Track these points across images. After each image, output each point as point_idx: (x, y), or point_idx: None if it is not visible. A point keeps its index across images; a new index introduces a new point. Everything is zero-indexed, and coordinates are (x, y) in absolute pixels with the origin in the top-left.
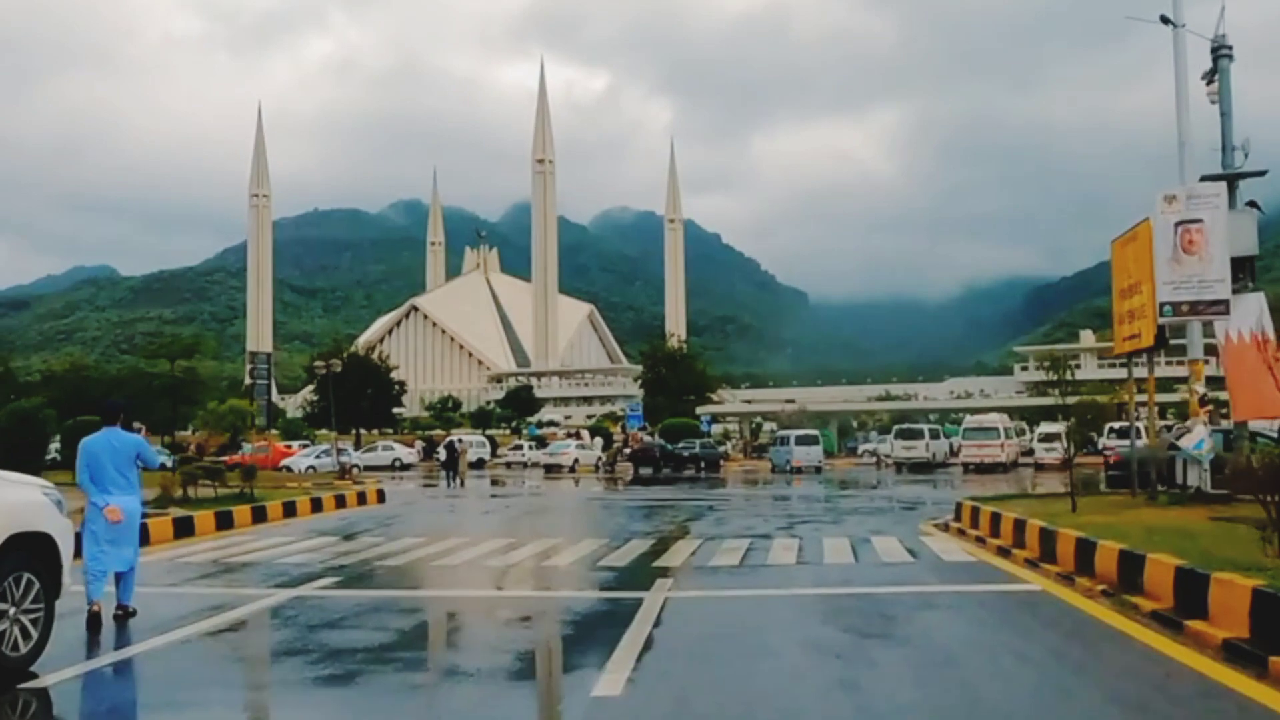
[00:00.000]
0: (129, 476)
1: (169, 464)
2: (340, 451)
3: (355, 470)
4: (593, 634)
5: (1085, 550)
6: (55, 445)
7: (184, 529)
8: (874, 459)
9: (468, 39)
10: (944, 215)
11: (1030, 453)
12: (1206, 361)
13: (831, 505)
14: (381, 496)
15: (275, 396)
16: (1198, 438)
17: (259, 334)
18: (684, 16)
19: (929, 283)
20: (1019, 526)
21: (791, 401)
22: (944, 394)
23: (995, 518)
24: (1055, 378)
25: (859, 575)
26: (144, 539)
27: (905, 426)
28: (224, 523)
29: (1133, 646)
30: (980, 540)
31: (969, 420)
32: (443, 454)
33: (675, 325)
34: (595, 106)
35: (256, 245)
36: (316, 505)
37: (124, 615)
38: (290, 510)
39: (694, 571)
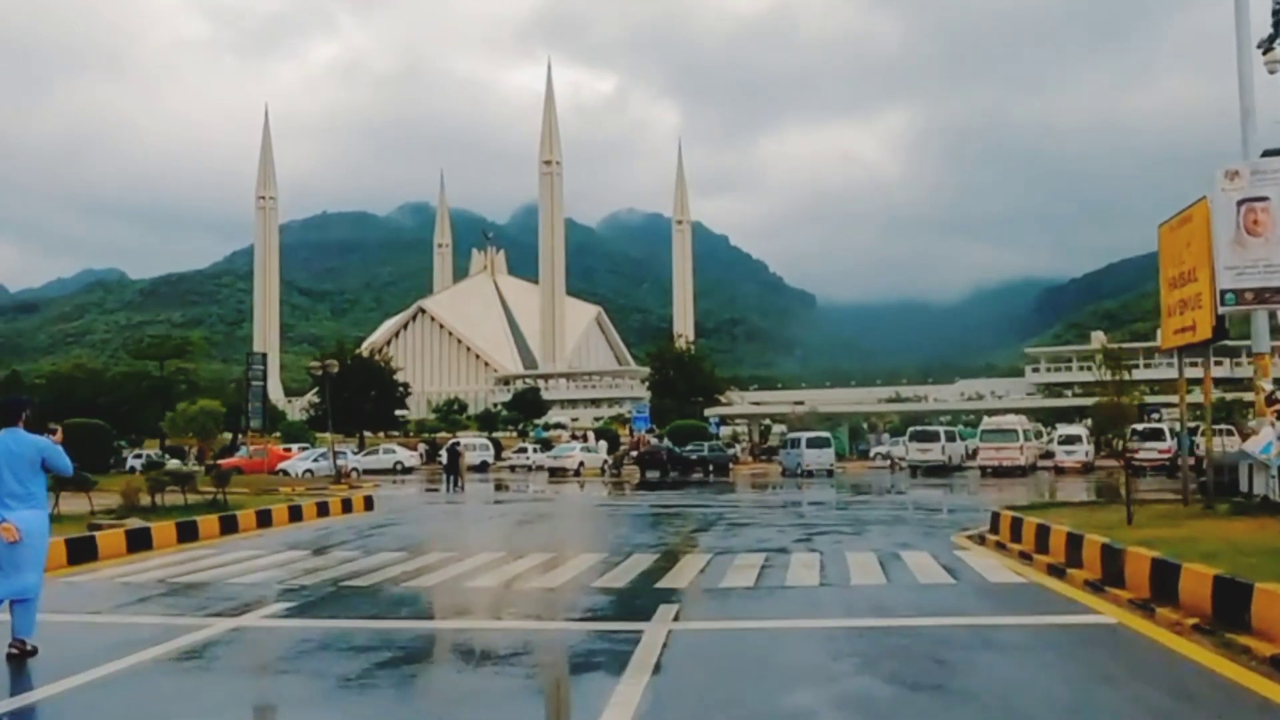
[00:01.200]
0: (31, 486)
1: (90, 475)
2: (338, 455)
3: (355, 474)
4: (576, 688)
5: (1165, 574)
6: None
7: (140, 542)
8: (887, 462)
9: (474, 42)
10: (952, 217)
11: (1049, 455)
12: (1275, 356)
13: (850, 513)
14: (369, 503)
15: (282, 399)
16: (1265, 440)
17: (266, 336)
18: (691, 19)
19: (937, 284)
20: (1073, 542)
21: (800, 403)
22: (954, 395)
23: (1042, 531)
24: (1112, 376)
25: (895, 601)
26: (92, 554)
27: (920, 429)
28: (187, 534)
29: (1265, 707)
30: (1025, 557)
31: (987, 422)
32: (445, 457)
33: (683, 327)
34: (603, 109)
35: (264, 247)
36: (295, 514)
37: (20, 653)
38: (265, 520)
39: (703, 595)
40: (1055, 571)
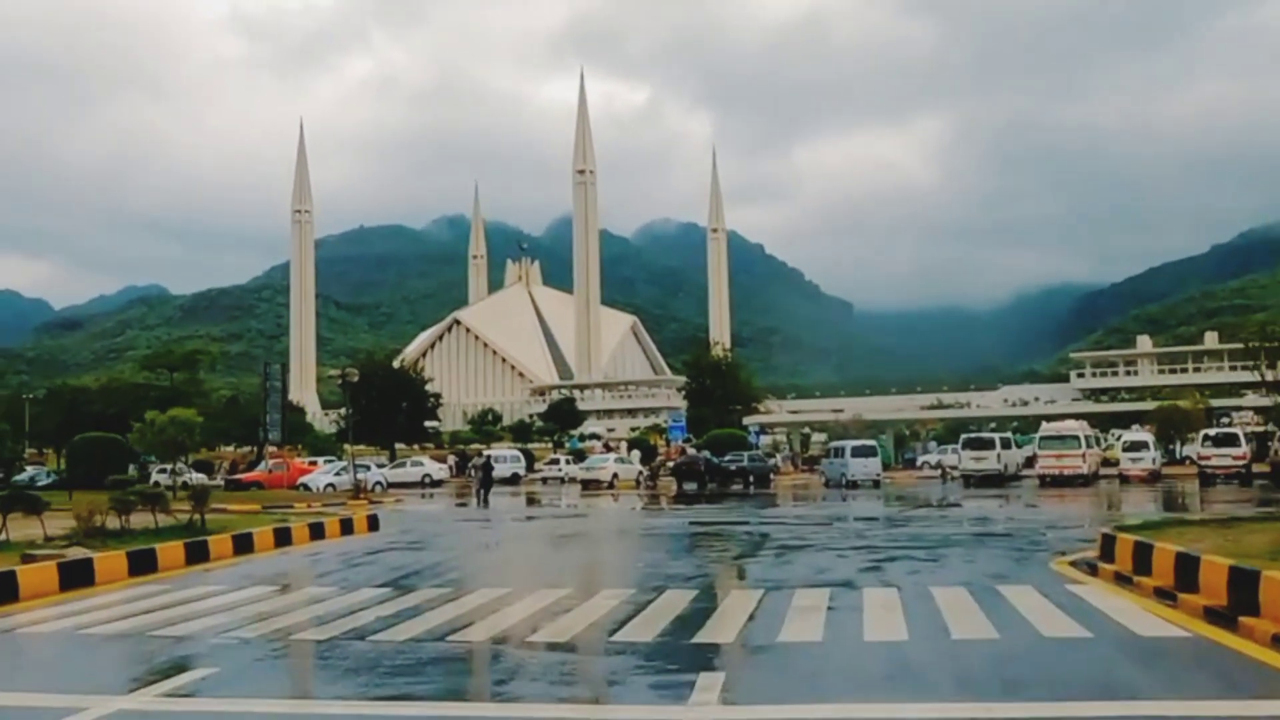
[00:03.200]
0: None
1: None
2: (359, 468)
3: (379, 488)
4: None
5: None
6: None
7: (77, 577)
8: (937, 471)
9: (508, 55)
10: (989, 222)
11: (1110, 463)
12: None
13: (914, 531)
14: (373, 523)
15: (319, 412)
16: None
17: (303, 349)
18: (723, 29)
19: (976, 291)
20: (1243, 581)
21: (840, 411)
22: (997, 402)
23: (1185, 562)
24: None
25: (1022, 668)
26: (11, 593)
27: (974, 436)
28: (142, 566)
29: None
30: (1164, 595)
31: (1045, 428)
32: (475, 471)
33: (719, 335)
34: (636, 120)
35: (299, 260)
36: (282, 538)
37: None
38: (244, 545)
39: (756, 657)
40: (1219, 619)
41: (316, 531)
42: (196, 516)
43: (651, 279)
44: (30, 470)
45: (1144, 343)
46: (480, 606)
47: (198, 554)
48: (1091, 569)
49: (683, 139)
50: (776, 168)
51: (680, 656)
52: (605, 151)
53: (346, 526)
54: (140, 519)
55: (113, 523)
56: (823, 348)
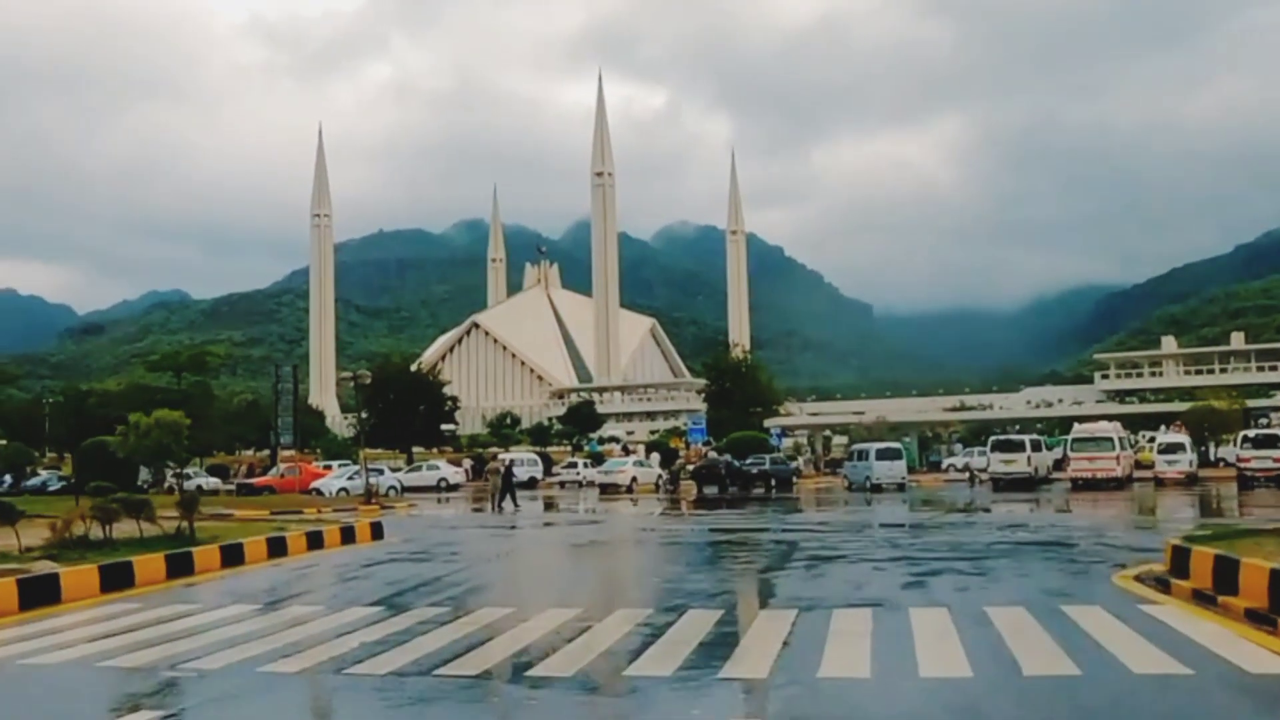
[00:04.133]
0: None
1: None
2: (371, 471)
3: (392, 492)
4: None
5: None
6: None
7: (41, 594)
8: (965, 474)
9: (525, 60)
10: (1009, 223)
11: (1146, 465)
12: None
13: (951, 538)
14: (377, 531)
15: (339, 416)
16: None
17: (322, 352)
18: (740, 31)
19: (996, 292)
20: None
21: (861, 413)
22: (1020, 404)
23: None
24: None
25: (1119, 715)
26: None
27: (1004, 438)
28: (117, 581)
29: None
30: (1259, 618)
31: (1078, 429)
32: (491, 475)
33: (739, 338)
34: (654, 123)
35: (319, 264)
36: (277, 548)
37: None
38: (234, 556)
39: (794, 699)
40: None
41: (314, 541)
42: (185, 525)
43: (670, 282)
44: (43, 475)
45: (1169, 344)
46: (479, 631)
47: (180, 567)
48: (1162, 585)
49: (701, 142)
50: (795, 170)
51: (706, 696)
52: (623, 154)
53: (348, 535)
54: (128, 528)
55: (96, 533)
56: (842, 350)
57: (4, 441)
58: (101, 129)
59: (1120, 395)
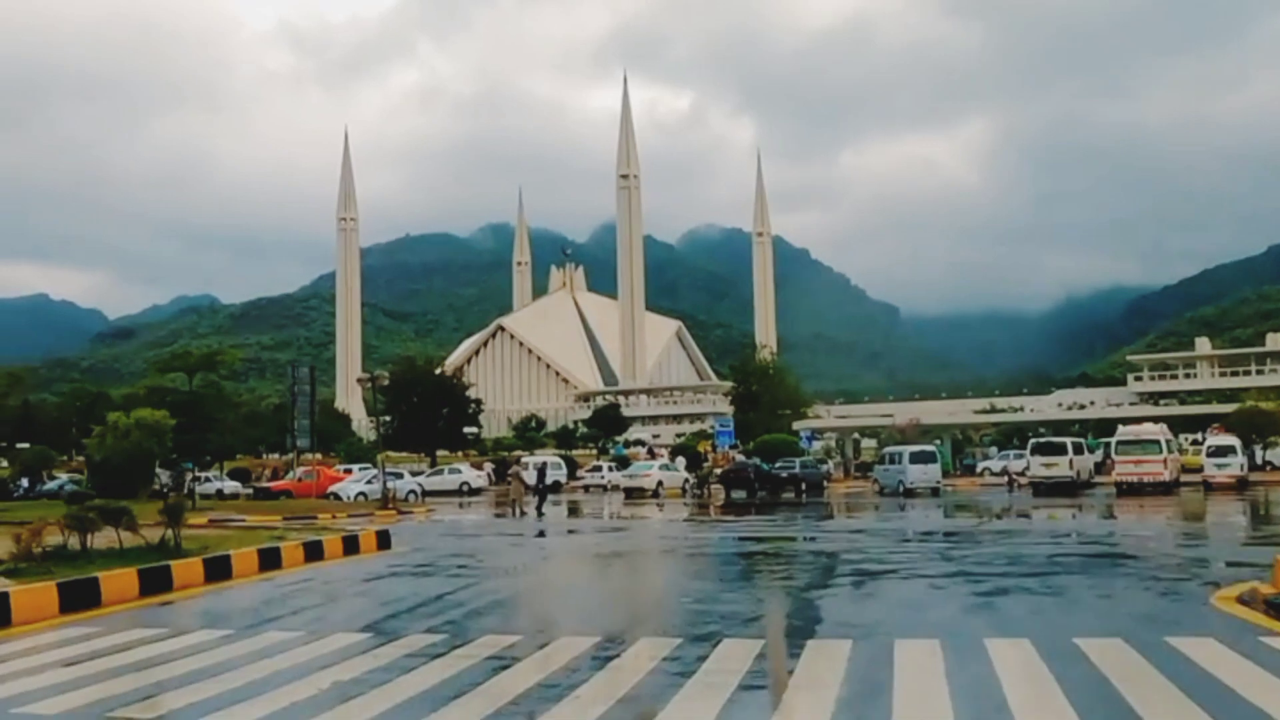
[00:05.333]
0: None
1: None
2: (392, 476)
3: (413, 496)
4: None
5: None
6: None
7: None
8: (1003, 478)
9: (551, 64)
10: (1037, 224)
11: (1192, 469)
12: None
13: (1010, 550)
14: (383, 540)
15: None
16: None
17: (349, 355)
18: (765, 34)
19: (1024, 294)
20: None
21: (890, 415)
22: (1052, 406)
23: None
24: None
25: None
26: None
27: (1045, 440)
28: (79, 600)
29: None
30: None
31: (1123, 431)
32: (525, 478)
33: (765, 340)
34: (680, 126)
35: (345, 267)
36: (270, 560)
37: None
38: (220, 570)
39: None
40: None
41: (313, 552)
42: (170, 535)
43: (696, 285)
44: (62, 478)
45: (1203, 345)
46: (475, 667)
47: (156, 583)
48: (1274, 610)
49: (726, 144)
50: (820, 172)
51: None
52: (649, 158)
53: (350, 546)
54: (114, 537)
55: (75, 543)
56: (869, 352)
57: (27, 445)
58: (133, 135)
59: (1155, 397)
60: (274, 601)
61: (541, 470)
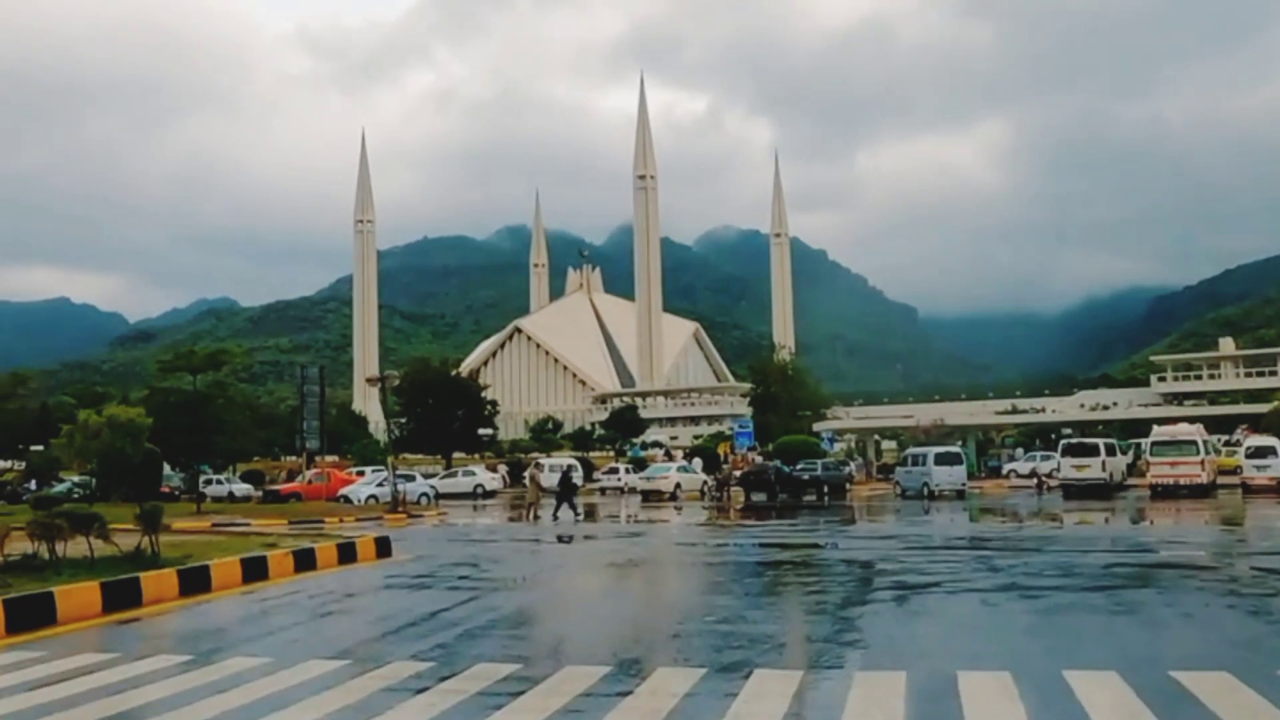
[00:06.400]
0: None
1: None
2: (403, 478)
3: (424, 500)
4: None
5: None
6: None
7: None
8: (1031, 480)
9: (567, 67)
10: (1057, 224)
11: (1229, 471)
12: None
13: (1060, 560)
14: (383, 548)
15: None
16: None
17: (366, 357)
18: (782, 35)
19: (1043, 295)
20: None
21: (910, 416)
22: (1074, 407)
23: None
24: None
25: None
26: None
27: (1076, 441)
28: (31, 619)
29: None
30: None
31: (1158, 432)
32: (541, 479)
33: (784, 341)
34: (696, 128)
35: (362, 269)
36: (255, 571)
37: None
38: (197, 583)
39: None
40: None
41: (304, 561)
42: (146, 543)
43: (713, 287)
44: (72, 480)
45: (1226, 345)
46: (458, 707)
47: (122, 597)
48: None
49: (742, 146)
50: (837, 173)
51: None
52: (665, 160)
53: (346, 553)
54: (97, 544)
55: (44, 552)
56: (887, 354)
57: (41, 448)
58: (153, 140)
59: (1179, 398)
60: (249, 620)
61: (566, 473)
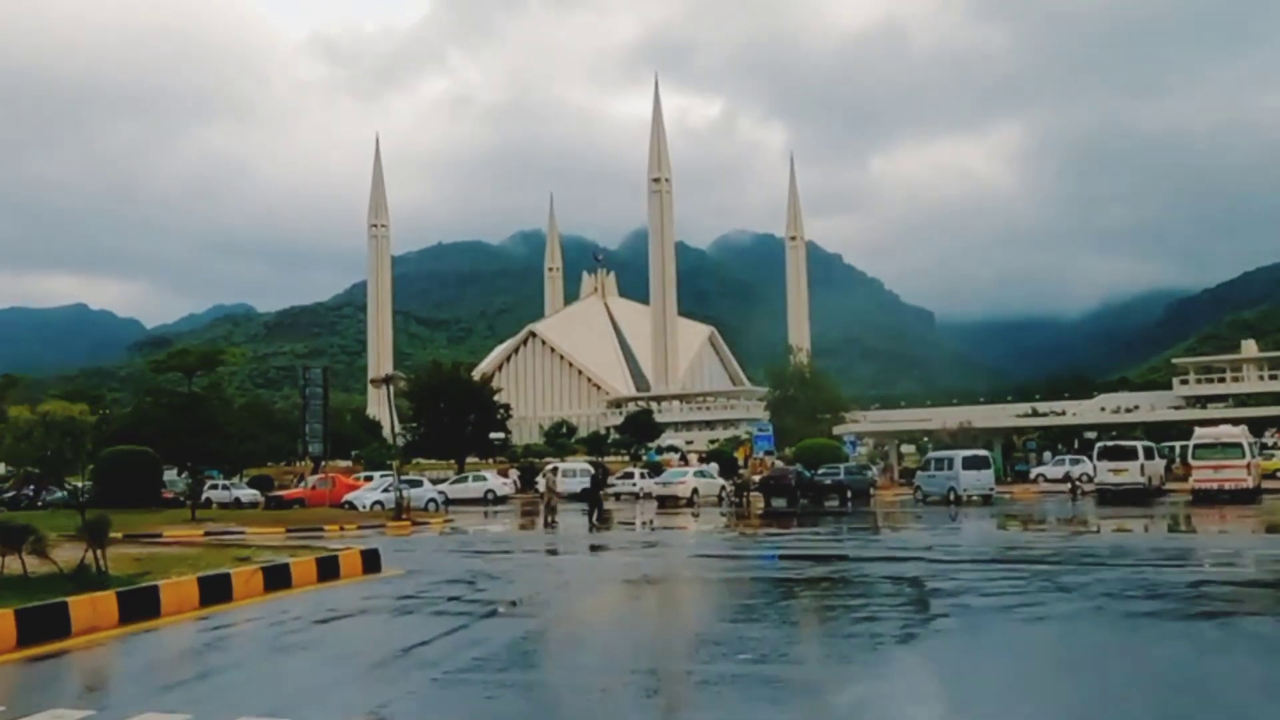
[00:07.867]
0: None
1: None
2: (409, 483)
3: (433, 505)
4: None
5: None
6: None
7: None
8: (1065, 485)
9: (581, 72)
10: (1074, 228)
11: (1267, 475)
12: None
13: (1135, 576)
14: (371, 562)
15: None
16: None
17: (381, 361)
18: (797, 39)
19: (1061, 298)
20: None
21: (928, 420)
22: (1095, 410)
23: None
24: None
25: None
26: None
27: (1112, 444)
28: None
29: None
30: None
31: (1200, 434)
32: (557, 484)
33: (800, 344)
34: (710, 132)
35: (376, 274)
36: (216, 591)
37: None
38: (142, 607)
39: None
40: None
41: (277, 579)
42: (91, 559)
43: (727, 291)
44: (75, 485)
45: (1248, 348)
46: None
47: (44, 628)
48: None
49: (757, 150)
50: (852, 177)
51: None
52: (679, 166)
53: (328, 568)
54: (36, 563)
55: None
56: (904, 358)
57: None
58: (170, 147)
59: (1201, 401)
60: (186, 656)
61: (599, 477)
